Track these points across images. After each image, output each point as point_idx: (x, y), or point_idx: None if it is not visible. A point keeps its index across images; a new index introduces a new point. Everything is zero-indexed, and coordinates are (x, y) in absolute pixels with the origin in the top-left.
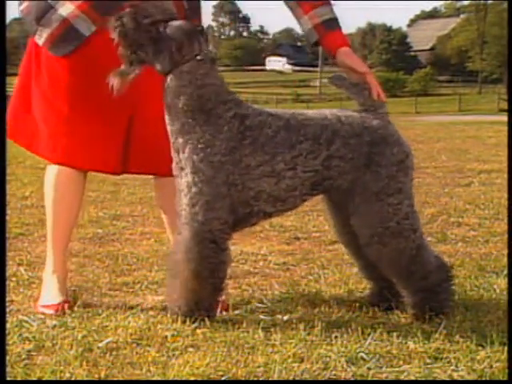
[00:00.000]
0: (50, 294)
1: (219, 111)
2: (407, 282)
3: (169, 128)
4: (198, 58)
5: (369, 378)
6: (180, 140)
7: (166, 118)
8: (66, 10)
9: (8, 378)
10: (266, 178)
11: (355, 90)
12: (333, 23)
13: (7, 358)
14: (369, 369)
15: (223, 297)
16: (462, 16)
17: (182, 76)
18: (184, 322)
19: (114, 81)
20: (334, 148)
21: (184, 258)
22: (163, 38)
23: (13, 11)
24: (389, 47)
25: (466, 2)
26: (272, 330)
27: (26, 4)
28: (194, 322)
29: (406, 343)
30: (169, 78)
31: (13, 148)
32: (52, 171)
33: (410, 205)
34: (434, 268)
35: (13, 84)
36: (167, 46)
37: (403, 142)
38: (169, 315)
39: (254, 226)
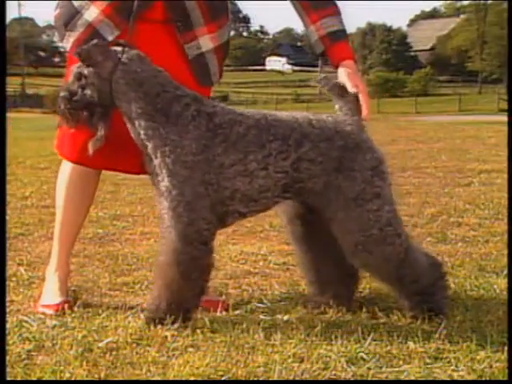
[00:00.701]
0: (50, 293)
1: (176, 109)
2: (399, 286)
3: (136, 139)
4: (123, 60)
5: (369, 378)
6: (149, 146)
7: (131, 129)
8: (90, 14)
9: (8, 378)
10: (240, 177)
11: (340, 92)
12: (339, 35)
13: (7, 358)
14: (369, 369)
15: (223, 297)
16: (462, 16)
17: (119, 82)
18: (184, 321)
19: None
20: (302, 151)
21: (171, 260)
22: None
23: (13, 11)
24: (389, 47)
25: (465, 2)
26: (272, 329)
27: (58, 10)
28: (162, 325)
29: (406, 343)
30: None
31: (13, 148)
32: (66, 169)
33: (392, 210)
34: (426, 268)
35: (13, 84)
36: (96, 77)
37: (376, 149)
38: (142, 316)
39: (248, 227)
